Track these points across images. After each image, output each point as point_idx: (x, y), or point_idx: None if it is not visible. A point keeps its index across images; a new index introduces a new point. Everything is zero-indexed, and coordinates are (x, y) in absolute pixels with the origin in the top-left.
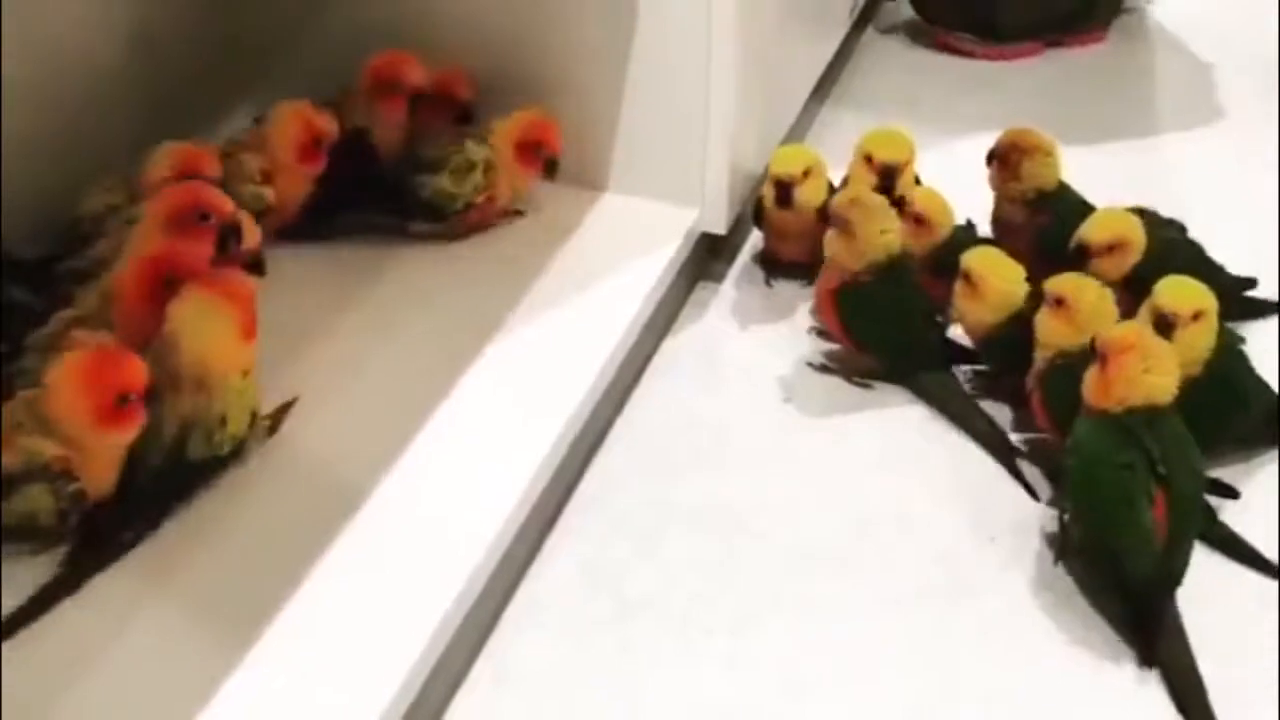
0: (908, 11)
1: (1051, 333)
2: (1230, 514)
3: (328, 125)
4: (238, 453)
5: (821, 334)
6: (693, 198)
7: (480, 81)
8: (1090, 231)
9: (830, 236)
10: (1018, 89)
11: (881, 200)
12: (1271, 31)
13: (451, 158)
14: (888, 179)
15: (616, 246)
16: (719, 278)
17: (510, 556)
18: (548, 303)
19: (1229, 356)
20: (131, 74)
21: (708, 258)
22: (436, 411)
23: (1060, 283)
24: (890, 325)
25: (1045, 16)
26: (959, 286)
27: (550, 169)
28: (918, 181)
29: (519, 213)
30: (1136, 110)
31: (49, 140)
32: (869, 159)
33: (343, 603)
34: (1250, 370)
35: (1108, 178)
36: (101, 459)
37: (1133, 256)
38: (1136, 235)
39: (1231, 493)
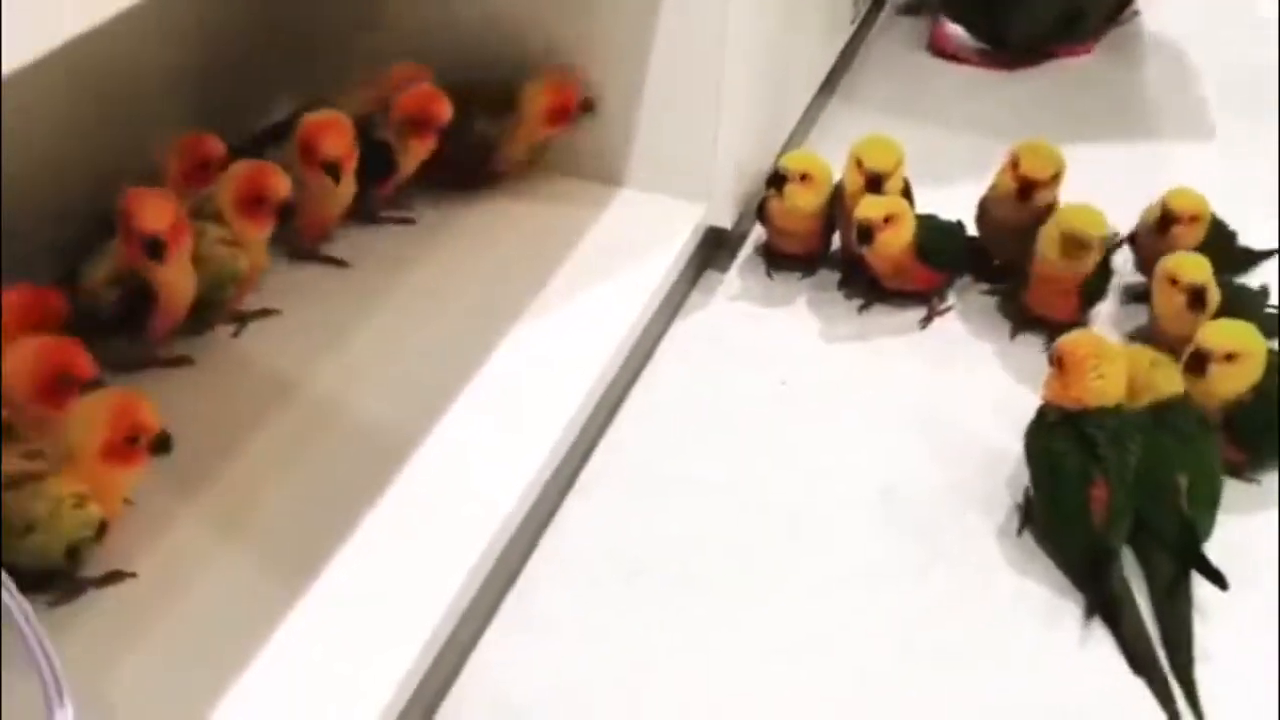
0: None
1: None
2: (1232, 522)
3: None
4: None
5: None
6: (701, 194)
7: (501, 80)
8: (1173, 200)
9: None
10: (1014, 92)
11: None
12: (1258, 42)
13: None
14: (874, 184)
15: (631, 237)
16: (724, 268)
17: (531, 517)
18: (567, 288)
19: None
20: (181, 67)
21: (714, 249)
22: (468, 384)
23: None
24: None
25: (1051, 25)
26: None
27: (586, 109)
28: (907, 186)
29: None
30: (1127, 118)
31: (98, 133)
32: (859, 164)
33: (388, 548)
34: None
35: (1101, 183)
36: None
37: (1201, 230)
38: (1204, 209)
39: (1221, 582)
